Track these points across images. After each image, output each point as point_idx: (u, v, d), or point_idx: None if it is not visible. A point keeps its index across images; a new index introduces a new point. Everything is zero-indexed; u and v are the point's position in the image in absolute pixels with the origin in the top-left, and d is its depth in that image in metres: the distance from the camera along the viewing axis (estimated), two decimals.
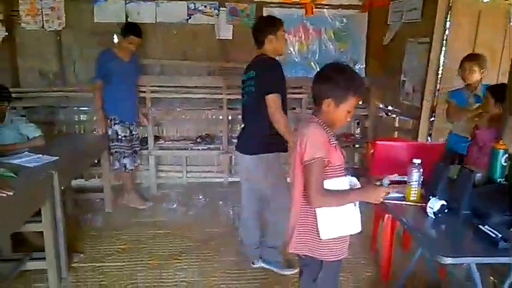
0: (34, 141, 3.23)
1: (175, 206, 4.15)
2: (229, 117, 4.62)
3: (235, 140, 4.60)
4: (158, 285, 2.79)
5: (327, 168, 1.66)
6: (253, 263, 3.02)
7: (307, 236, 1.73)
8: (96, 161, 3.95)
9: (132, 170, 4.05)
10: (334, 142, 1.69)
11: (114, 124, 3.85)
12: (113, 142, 3.88)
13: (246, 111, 2.84)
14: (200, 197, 4.37)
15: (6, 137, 3.14)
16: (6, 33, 4.19)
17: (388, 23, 4.28)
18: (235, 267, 3.03)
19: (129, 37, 3.73)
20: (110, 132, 3.86)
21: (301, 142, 1.66)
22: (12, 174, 2.45)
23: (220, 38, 4.58)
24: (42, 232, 2.62)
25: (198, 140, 4.64)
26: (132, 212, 3.95)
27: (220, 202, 4.25)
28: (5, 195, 2.14)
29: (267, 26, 2.73)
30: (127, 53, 3.83)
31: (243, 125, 2.91)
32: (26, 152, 3.01)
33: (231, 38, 4.59)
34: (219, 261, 3.10)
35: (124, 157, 3.93)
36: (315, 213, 1.68)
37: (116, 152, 3.91)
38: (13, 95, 3.67)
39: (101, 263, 3.02)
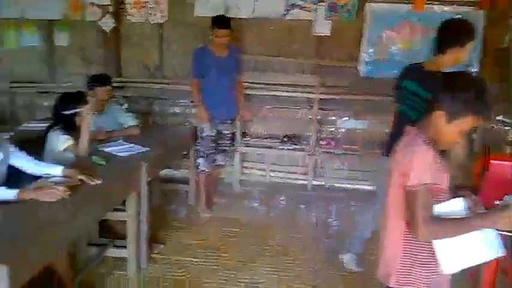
0: (130, 130, 3.35)
1: (256, 204, 4.08)
2: (319, 117, 4.41)
3: (323, 142, 4.47)
4: None
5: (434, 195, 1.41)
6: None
7: (412, 269, 1.49)
8: (185, 152, 3.99)
9: (203, 171, 3.78)
10: (442, 163, 1.43)
11: None
12: (197, 139, 3.81)
13: (408, 122, 2.57)
14: (282, 198, 4.23)
15: (105, 124, 3.26)
16: (115, 25, 4.44)
17: (510, 22, 3.73)
18: (317, 278, 2.85)
19: (214, 29, 3.52)
20: (198, 128, 3.81)
21: (404, 160, 1.43)
22: (103, 163, 2.54)
23: (317, 34, 4.37)
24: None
25: (285, 139, 4.51)
26: (214, 207, 3.95)
27: (303, 206, 4.09)
28: (94, 183, 2.21)
29: (457, 34, 2.27)
30: (221, 48, 3.63)
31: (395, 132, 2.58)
32: (121, 141, 3.13)
33: (328, 34, 4.34)
34: (298, 271, 2.94)
35: (200, 157, 3.78)
36: (421, 244, 1.45)
37: (196, 149, 3.84)
38: (115, 85, 3.89)
39: (179, 257, 3.03)
